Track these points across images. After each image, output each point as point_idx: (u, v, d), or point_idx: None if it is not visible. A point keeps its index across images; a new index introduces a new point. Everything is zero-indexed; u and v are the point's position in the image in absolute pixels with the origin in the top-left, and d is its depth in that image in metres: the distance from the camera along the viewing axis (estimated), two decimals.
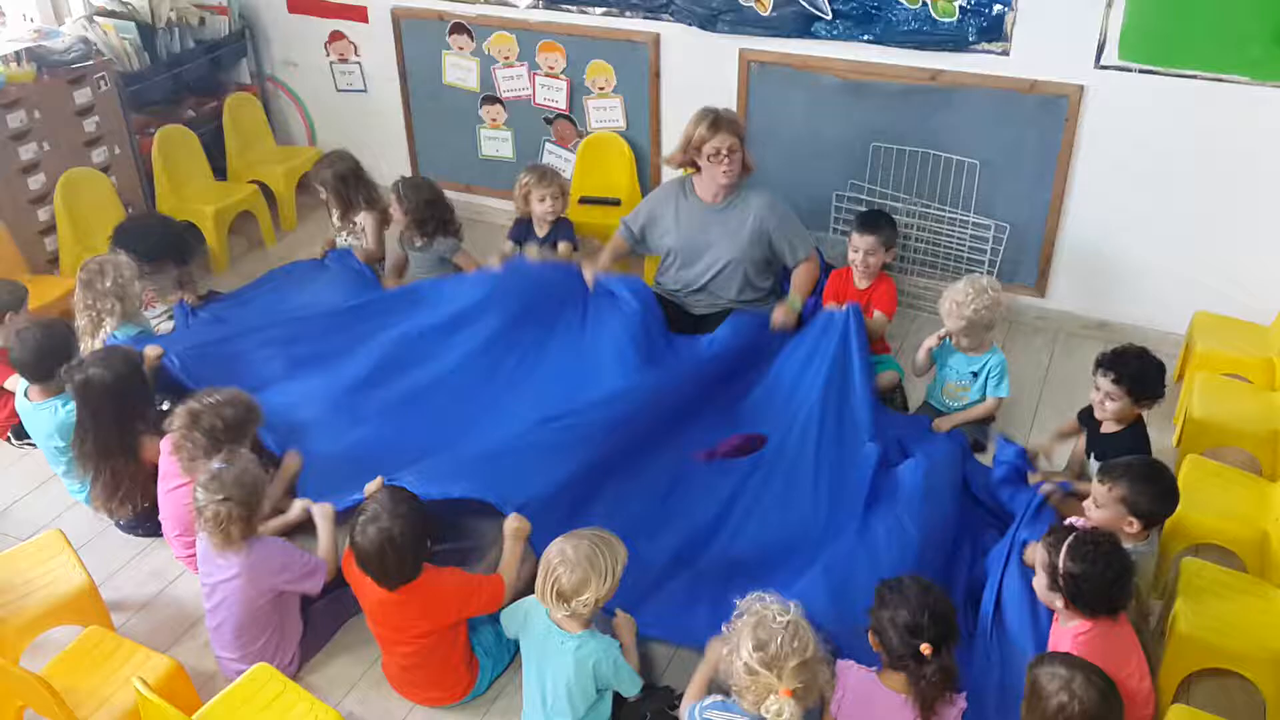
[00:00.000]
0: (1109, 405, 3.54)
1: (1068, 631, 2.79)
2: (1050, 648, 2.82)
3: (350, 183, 5.06)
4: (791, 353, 4.16)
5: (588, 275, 4.52)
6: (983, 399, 4.11)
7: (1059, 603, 2.79)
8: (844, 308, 4.14)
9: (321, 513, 3.45)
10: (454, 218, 4.98)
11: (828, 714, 2.72)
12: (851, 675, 2.73)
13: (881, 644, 2.68)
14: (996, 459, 3.76)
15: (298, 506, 3.53)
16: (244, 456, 3.19)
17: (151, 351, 3.92)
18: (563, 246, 4.81)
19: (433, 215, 4.85)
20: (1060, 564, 2.74)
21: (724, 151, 4.31)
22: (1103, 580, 2.72)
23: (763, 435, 3.89)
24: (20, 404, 3.87)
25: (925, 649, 2.59)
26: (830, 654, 2.64)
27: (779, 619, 2.51)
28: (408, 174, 5.74)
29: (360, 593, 3.08)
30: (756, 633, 2.50)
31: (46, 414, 3.77)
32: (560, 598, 2.77)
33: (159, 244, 4.60)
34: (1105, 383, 3.53)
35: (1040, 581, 2.85)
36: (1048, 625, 2.99)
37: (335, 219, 5.15)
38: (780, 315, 4.35)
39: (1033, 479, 3.61)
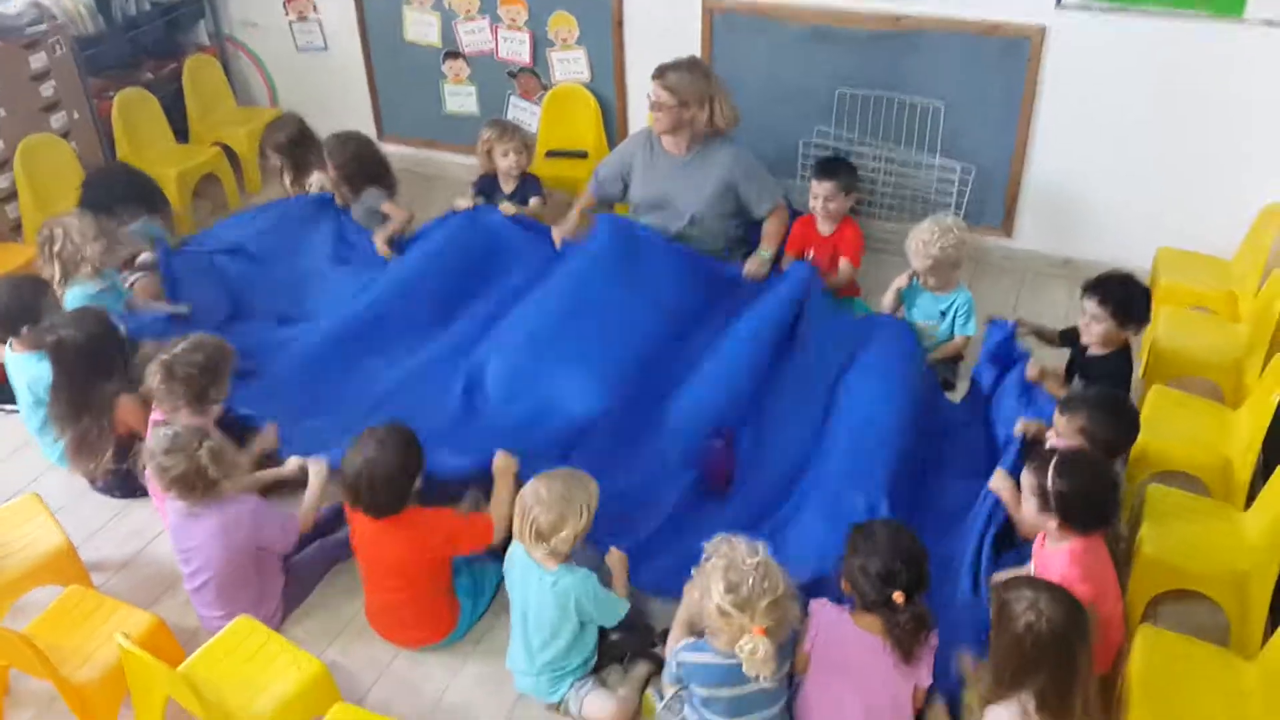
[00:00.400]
0: (1095, 328, 3.60)
1: (1056, 553, 2.82)
2: (1037, 572, 2.85)
3: (301, 144, 5.06)
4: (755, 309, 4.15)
5: (556, 237, 4.53)
6: (951, 338, 4.16)
7: (1052, 524, 2.81)
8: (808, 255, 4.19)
9: (316, 467, 3.45)
10: (387, 170, 4.94)
11: (801, 652, 2.75)
12: (825, 614, 2.77)
13: (854, 589, 2.71)
14: (987, 341, 3.86)
15: (293, 463, 3.54)
16: (181, 424, 3.22)
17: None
18: (533, 202, 4.79)
19: (360, 170, 4.83)
20: (1050, 484, 2.78)
21: (652, 100, 4.37)
22: (1093, 494, 2.78)
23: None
24: (6, 354, 3.87)
25: (898, 597, 2.61)
26: (800, 590, 2.66)
27: (748, 560, 2.54)
28: (370, 133, 5.73)
29: (353, 526, 3.14)
30: (728, 575, 2.52)
31: (24, 366, 3.76)
32: (539, 537, 2.83)
33: (125, 192, 4.57)
34: (1091, 305, 3.58)
35: (1030, 505, 2.87)
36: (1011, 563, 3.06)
37: (288, 183, 5.13)
38: (752, 265, 4.40)
39: (1030, 372, 3.65)
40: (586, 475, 2.93)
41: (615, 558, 3.14)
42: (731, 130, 4.52)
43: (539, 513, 2.81)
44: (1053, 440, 3.21)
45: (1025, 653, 2.41)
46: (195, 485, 3.06)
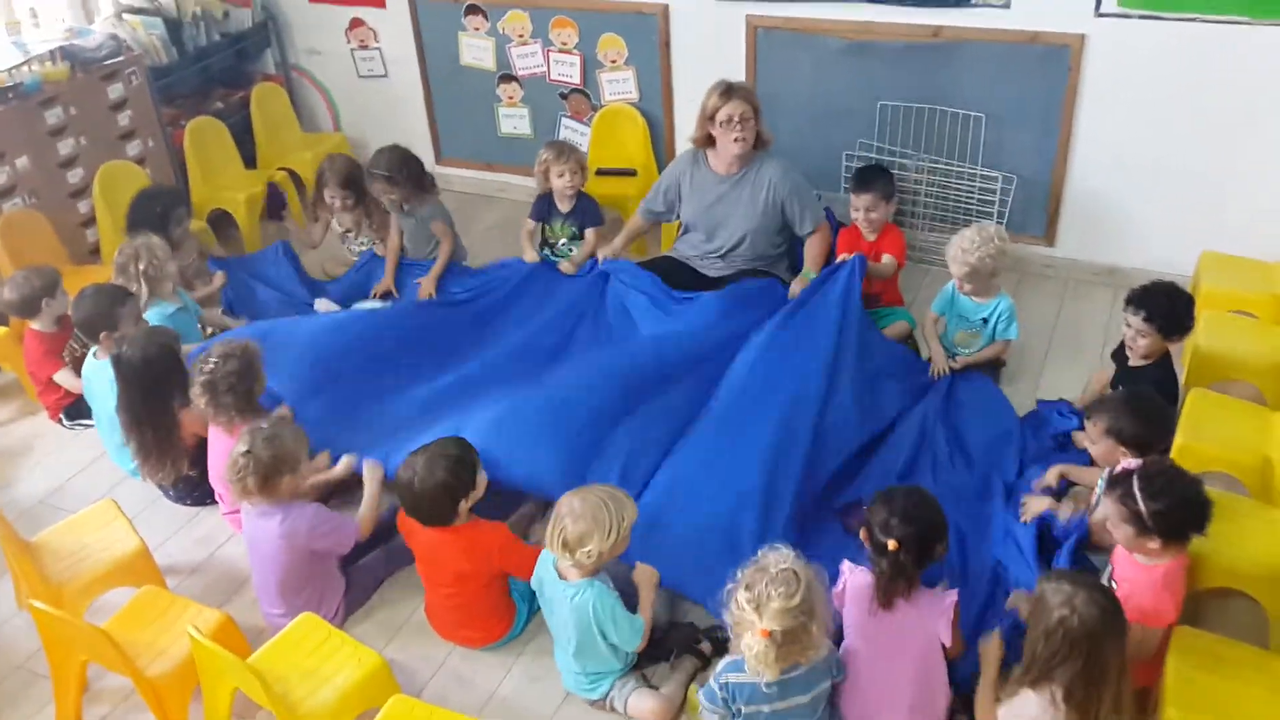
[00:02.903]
0: (1140, 342, 3.63)
1: (1151, 570, 2.80)
2: (1122, 584, 2.85)
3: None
4: (795, 309, 4.22)
5: (600, 255, 4.68)
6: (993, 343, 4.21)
7: (1154, 544, 2.78)
8: (851, 257, 4.25)
9: (371, 471, 3.62)
10: (423, 171, 5.04)
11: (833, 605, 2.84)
12: (856, 576, 2.88)
13: (869, 543, 2.81)
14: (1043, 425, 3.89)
15: (343, 463, 3.70)
16: (286, 422, 3.40)
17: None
18: (589, 235, 4.88)
19: (411, 175, 4.95)
20: (1143, 508, 2.74)
21: (735, 119, 4.40)
22: (1189, 504, 2.77)
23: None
24: (89, 359, 4.11)
25: (892, 544, 2.71)
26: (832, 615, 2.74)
27: (776, 566, 2.59)
28: (429, 156, 5.92)
29: (410, 531, 3.27)
30: (752, 574, 2.59)
31: (106, 370, 3.95)
32: (565, 547, 2.88)
33: (168, 203, 4.91)
34: (1136, 320, 3.61)
35: (1124, 533, 2.81)
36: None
37: (314, 216, 5.36)
38: (797, 287, 4.43)
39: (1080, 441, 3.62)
40: (627, 496, 2.97)
41: (643, 573, 3.16)
42: (770, 145, 4.61)
43: (568, 523, 2.87)
44: (1084, 444, 3.24)
45: (1056, 645, 2.46)
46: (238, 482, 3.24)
